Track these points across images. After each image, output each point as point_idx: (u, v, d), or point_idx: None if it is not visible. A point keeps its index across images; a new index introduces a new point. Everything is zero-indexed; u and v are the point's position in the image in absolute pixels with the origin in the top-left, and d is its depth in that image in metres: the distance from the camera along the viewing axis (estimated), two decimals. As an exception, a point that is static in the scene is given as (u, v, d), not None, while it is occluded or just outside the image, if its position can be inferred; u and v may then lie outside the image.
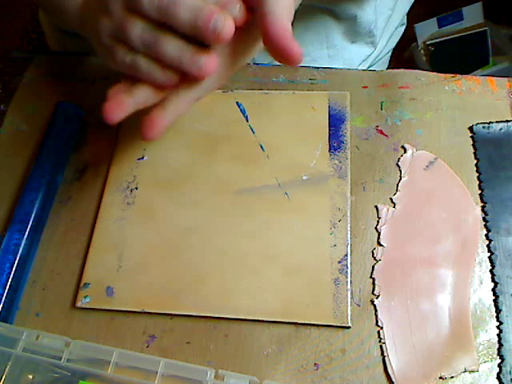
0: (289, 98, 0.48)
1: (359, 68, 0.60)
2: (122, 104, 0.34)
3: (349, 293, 0.39)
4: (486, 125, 0.45)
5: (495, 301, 0.39)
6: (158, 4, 0.31)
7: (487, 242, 0.41)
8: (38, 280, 0.42)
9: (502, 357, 0.37)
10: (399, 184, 0.44)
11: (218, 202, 0.44)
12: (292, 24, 0.31)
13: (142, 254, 0.42)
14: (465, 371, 0.36)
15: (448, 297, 0.39)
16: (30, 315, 0.41)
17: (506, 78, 0.48)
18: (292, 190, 0.43)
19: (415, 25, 1.26)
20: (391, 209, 0.42)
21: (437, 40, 1.26)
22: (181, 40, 0.32)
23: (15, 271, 0.41)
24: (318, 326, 0.39)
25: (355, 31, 0.57)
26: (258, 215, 0.43)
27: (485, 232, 0.41)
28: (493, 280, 0.39)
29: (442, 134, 0.46)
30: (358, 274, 0.40)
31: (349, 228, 0.42)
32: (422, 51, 1.28)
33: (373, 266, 0.40)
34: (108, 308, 0.40)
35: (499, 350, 0.37)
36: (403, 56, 1.33)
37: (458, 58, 1.28)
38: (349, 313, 0.38)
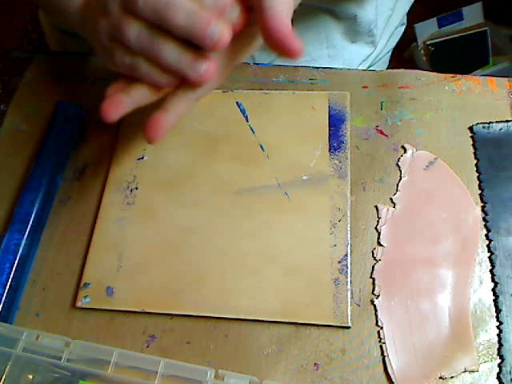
0: (289, 98, 0.48)
1: (359, 68, 0.60)
2: (119, 103, 0.34)
3: (349, 293, 0.39)
4: (486, 125, 0.45)
5: (495, 301, 0.39)
6: (153, 6, 0.31)
7: (487, 242, 0.41)
8: (38, 280, 0.42)
9: (502, 357, 0.37)
10: (399, 184, 0.44)
11: (218, 201, 0.44)
12: (292, 23, 0.31)
13: (142, 254, 0.42)
14: (465, 371, 0.36)
15: (448, 297, 0.39)
16: (29, 315, 0.41)
17: (506, 78, 0.48)
18: (292, 190, 0.43)
19: (415, 25, 1.26)
20: (391, 209, 0.42)
21: (437, 40, 1.26)
22: (179, 43, 0.32)
23: (15, 271, 0.41)
24: (318, 325, 0.39)
25: (355, 31, 0.57)
26: (258, 215, 0.43)
27: (485, 232, 0.41)
28: (493, 280, 0.39)
29: (442, 134, 0.46)
30: (358, 274, 0.40)
31: (349, 228, 0.42)
32: (422, 51, 1.28)
33: (373, 266, 0.40)
34: (108, 308, 0.40)
35: (499, 350, 0.37)
36: (403, 56, 1.33)
37: (458, 58, 1.28)
38: (349, 313, 0.38)
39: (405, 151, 0.45)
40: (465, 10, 1.25)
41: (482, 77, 0.48)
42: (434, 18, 1.27)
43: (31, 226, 0.43)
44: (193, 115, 0.47)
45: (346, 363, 0.37)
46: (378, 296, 0.39)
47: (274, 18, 0.30)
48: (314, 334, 0.38)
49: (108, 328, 0.40)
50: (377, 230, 0.42)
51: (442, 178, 0.43)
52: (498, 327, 0.38)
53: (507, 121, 0.45)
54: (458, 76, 0.48)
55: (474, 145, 0.45)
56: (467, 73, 0.53)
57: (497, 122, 0.45)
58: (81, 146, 0.48)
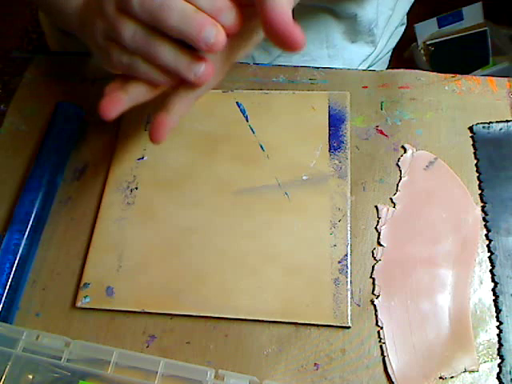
0: (289, 98, 0.48)
1: (359, 68, 0.60)
2: (117, 101, 0.34)
3: (349, 293, 0.39)
4: (486, 125, 0.45)
5: (495, 301, 0.39)
6: (148, 7, 0.30)
7: (487, 242, 0.41)
8: (38, 280, 0.42)
9: (502, 357, 0.37)
10: (399, 184, 0.44)
11: (218, 201, 0.44)
12: None
13: (142, 254, 0.42)
14: (465, 371, 0.36)
15: (448, 297, 0.39)
16: (29, 315, 0.41)
17: (506, 78, 0.48)
18: (292, 190, 0.43)
19: (415, 25, 1.26)
20: (391, 209, 0.42)
21: (437, 40, 1.26)
22: (175, 44, 0.32)
23: (15, 271, 0.41)
24: (318, 325, 0.39)
25: (355, 30, 0.57)
26: (258, 215, 0.43)
27: (485, 232, 0.41)
28: (493, 280, 0.39)
29: (442, 134, 0.46)
30: (358, 274, 0.40)
31: (349, 228, 0.42)
32: (422, 51, 1.28)
33: (373, 266, 0.40)
34: (108, 308, 0.40)
35: (499, 350, 0.37)
36: (403, 56, 1.33)
37: (458, 58, 1.28)
38: (349, 313, 0.38)
39: (405, 151, 0.45)
40: (465, 10, 1.26)
41: (482, 77, 0.48)
42: (434, 18, 1.27)
43: (31, 225, 0.43)
44: (193, 115, 0.47)
45: (346, 363, 0.37)
46: (378, 296, 0.39)
47: (275, 8, 0.30)
48: (314, 334, 0.38)
49: (108, 328, 0.40)
50: (377, 230, 0.42)
51: (442, 178, 0.43)
52: (498, 327, 0.38)
53: (507, 121, 0.45)
54: (458, 76, 0.48)
55: (474, 145, 0.45)
56: (467, 73, 0.53)
57: (497, 122, 0.45)
58: (81, 146, 0.48)
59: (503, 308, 0.38)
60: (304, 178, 0.44)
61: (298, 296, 0.39)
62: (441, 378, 0.36)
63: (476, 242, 0.41)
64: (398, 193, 0.43)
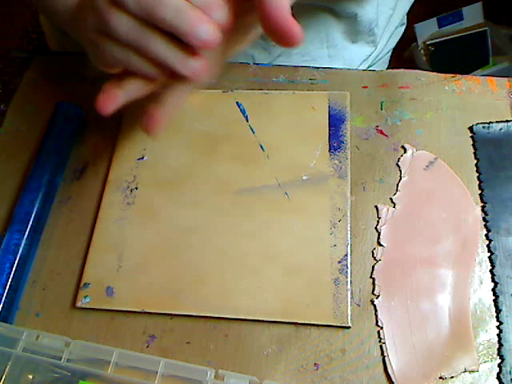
0: (289, 98, 0.48)
1: (359, 68, 0.60)
2: (114, 96, 0.34)
3: (349, 293, 0.39)
4: (486, 125, 0.45)
5: (495, 301, 0.39)
6: (142, 3, 0.30)
7: (487, 242, 0.41)
8: (38, 280, 0.42)
9: (502, 357, 0.37)
10: (399, 184, 0.44)
11: (218, 201, 0.44)
12: None
13: (142, 254, 0.42)
14: (465, 371, 0.36)
15: (448, 297, 0.39)
16: (29, 315, 0.41)
17: (506, 78, 0.48)
18: (292, 190, 0.43)
19: (415, 25, 1.26)
20: (391, 209, 0.42)
21: (437, 40, 1.26)
22: (168, 38, 0.32)
23: (15, 271, 0.41)
24: (318, 325, 0.39)
25: (356, 30, 0.57)
26: (258, 215, 0.43)
27: (485, 232, 0.41)
28: (493, 280, 0.39)
29: (442, 134, 0.46)
30: (358, 274, 0.40)
31: (349, 228, 0.42)
32: (422, 51, 1.28)
33: (373, 266, 0.40)
34: (108, 308, 0.40)
35: (499, 350, 0.37)
36: (403, 56, 1.33)
37: (458, 58, 1.28)
38: (349, 313, 0.38)
39: (405, 151, 0.45)
40: (465, 10, 1.25)
41: (482, 77, 0.48)
42: (434, 18, 1.27)
43: (31, 225, 0.43)
44: (193, 115, 0.47)
45: (346, 363, 0.37)
46: (378, 296, 0.39)
47: (273, 2, 0.29)
48: (314, 334, 0.38)
49: (108, 328, 0.40)
50: (377, 230, 0.42)
51: (442, 178, 0.43)
52: (498, 327, 0.38)
53: (507, 121, 0.45)
54: (458, 76, 0.48)
55: (474, 145, 0.45)
56: (467, 73, 0.53)
57: (497, 122, 0.45)
58: (81, 146, 0.48)
59: (503, 308, 0.38)
60: (304, 178, 0.44)
61: (297, 296, 0.39)
62: (441, 378, 0.36)
63: (476, 241, 0.41)
64: (398, 193, 0.43)
